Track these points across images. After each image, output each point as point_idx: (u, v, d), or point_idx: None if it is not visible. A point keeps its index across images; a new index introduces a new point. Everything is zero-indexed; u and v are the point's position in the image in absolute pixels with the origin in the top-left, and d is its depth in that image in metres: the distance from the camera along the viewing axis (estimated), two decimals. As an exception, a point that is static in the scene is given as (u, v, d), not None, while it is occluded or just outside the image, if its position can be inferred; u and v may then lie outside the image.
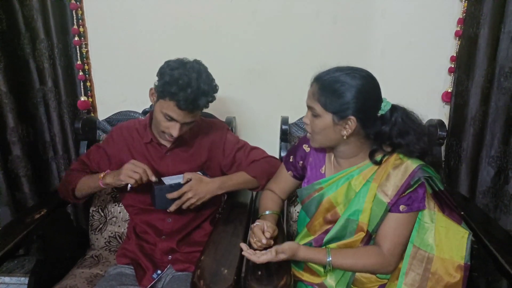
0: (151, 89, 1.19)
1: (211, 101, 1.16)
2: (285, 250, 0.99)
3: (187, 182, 1.18)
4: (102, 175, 1.21)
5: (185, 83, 1.08)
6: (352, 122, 0.98)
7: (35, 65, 1.65)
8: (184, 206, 1.18)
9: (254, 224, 1.07)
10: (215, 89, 1.16)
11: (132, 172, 1.12)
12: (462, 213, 1.21)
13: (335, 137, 1.02)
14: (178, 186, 1.17)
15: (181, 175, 1.20)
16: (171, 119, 1.14)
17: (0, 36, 1.56)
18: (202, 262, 0.97)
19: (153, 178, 1.15)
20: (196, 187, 1.18)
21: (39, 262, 1.29)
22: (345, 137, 1.00)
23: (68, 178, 1.32)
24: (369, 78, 1.00)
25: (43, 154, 1.81)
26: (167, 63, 1.15)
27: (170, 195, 1.16)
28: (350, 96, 0.96)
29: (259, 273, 0.94)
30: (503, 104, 1.50)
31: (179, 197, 1.17)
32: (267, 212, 1.18)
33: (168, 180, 1.20)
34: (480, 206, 1.62)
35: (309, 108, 1.03)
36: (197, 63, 1.16)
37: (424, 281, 0.99)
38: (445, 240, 1.03)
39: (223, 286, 0.88)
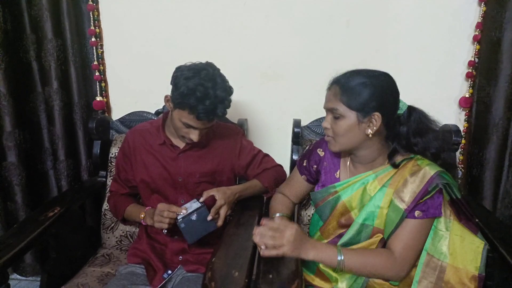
0: (166, 96, 1.20)
1: (228, 107, 1.17)
2: (288, 227, 0.96)
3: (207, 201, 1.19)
4: (142, 216, 1.26)
5: (203, 95, 1.08)
6: (377, 118, 0.97)
7: (38, 67, 1.62)
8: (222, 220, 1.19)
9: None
10: (230, 92, 1.17)
11: (160, 222, 1.15)
12: (477, 220, 1.19)
13: (360, 137, 1.01)
14: (202, 211, 1.15)
15: (193, 201, 1.20)
16: (190, 126, 1.16)
17: (4, 36, 1.54)
18: (213, 264, 0.97)
19: (183, 211, 1.15)
20: (227, 199, 1.20)
21: (51, 259, 1.30)
22: (370, 135, 0.99)
23: (115, 204, 1.38)
24: (388, 77, 1.03)
25: (38, 163, 1.74)
26: (180, 71, 1.14)
27: (209, 217, 1.15)
28: (372, 92, 0.97)
29: (270, 276, 0.93)
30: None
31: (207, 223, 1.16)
32: (277, 215, 1.18)
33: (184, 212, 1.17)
34: (503, 219, 1.54)
35: (331, 110, 1.03)
36: (211, 67, 1.16)
37: (438, 289, 0.98)
38: (460, 249, 1.01)
39: (234, 288, 0.88)
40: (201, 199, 1.18)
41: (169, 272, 1.22)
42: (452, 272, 0.99)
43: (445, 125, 1.45)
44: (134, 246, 1.35)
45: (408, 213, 0.99)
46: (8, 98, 1.59)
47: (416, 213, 0.99)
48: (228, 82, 1.17)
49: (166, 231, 1.18)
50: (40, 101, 1.68)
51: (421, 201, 0.99)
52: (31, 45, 1.61)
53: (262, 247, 0.94)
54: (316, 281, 1.08)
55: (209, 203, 1.18)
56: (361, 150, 1.05)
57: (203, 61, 1.18)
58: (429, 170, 1.00)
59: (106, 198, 1.46)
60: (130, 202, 1.35)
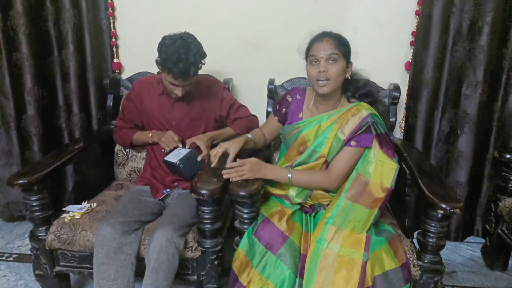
0: (156, 60, 1.49)
1: (200, 68, 1.47)
2: (247, 162, 1.34)
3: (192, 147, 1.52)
4: (150, 135, 1.62)
5: (176, 59, 1.38)
6: (351, 66, 1.39)
7: (55, 34, 1.86)
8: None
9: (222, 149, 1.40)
10: (202, 56, 1.46)
11: (169, 142, 1.52)
12: (405, 154, 1.57)
13: (343, 78, 1.37)
14: (193, 152, 1.49)
15: (179, 148, 1.52)
16: (173, 84, 1.47)
17: (28, 6, 1.82)
18: (199, 175, 1.36)
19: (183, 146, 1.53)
20: (206, 143, 1.52)
21: (77, 182, 1.68)
22: (348, 77, 1.38)
23: (122, 135, 1.73)
24: None
25: (53, 117, 1.97)
26: (163, 40, 1.43)
27: (200, 158, 1.47)
28: (349, 47, 1.37)
29: (239, 181, 1.31)
30: (455, 73, 1.82)
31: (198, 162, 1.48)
32: (249, 136, 1.53)
33: (173, 156, 1.49)
34: (435, 160, 1.95)
35: (329, 55, 1.32)
36: (187, 36, 1.43)
37: (360, 195, 1.34)
38: (380, 171, 1.36)
39: (212, 187, 1.26)
40: (187, 146, 1.52)
41: (168, 190, 1.60)
42: (373, 186, 1.35)
43: (390, 83, 1.80)
44: (140, 176, 1.72)
45: (346, 143, 1.36)
46: (30, 58, 1.85)
47: (352, 142, 1.36)
48: (201, 48, 1.45)
49: (165, 151, 1.54)
50: (56, 64, 1.94)
51: (356, 134, 1.35)
52: (50, 15, 1.88)
53: (230, 179, 1.32)
54: (276, 191, 1.46)
55: (192, 147, 1.53)
56: (335, 91, 1.40)
57: (197, 31, 1.48)
58: (364, 112, 1.36)
59: (113, 132, 1.79)
60: (135, 131, 1.71)
